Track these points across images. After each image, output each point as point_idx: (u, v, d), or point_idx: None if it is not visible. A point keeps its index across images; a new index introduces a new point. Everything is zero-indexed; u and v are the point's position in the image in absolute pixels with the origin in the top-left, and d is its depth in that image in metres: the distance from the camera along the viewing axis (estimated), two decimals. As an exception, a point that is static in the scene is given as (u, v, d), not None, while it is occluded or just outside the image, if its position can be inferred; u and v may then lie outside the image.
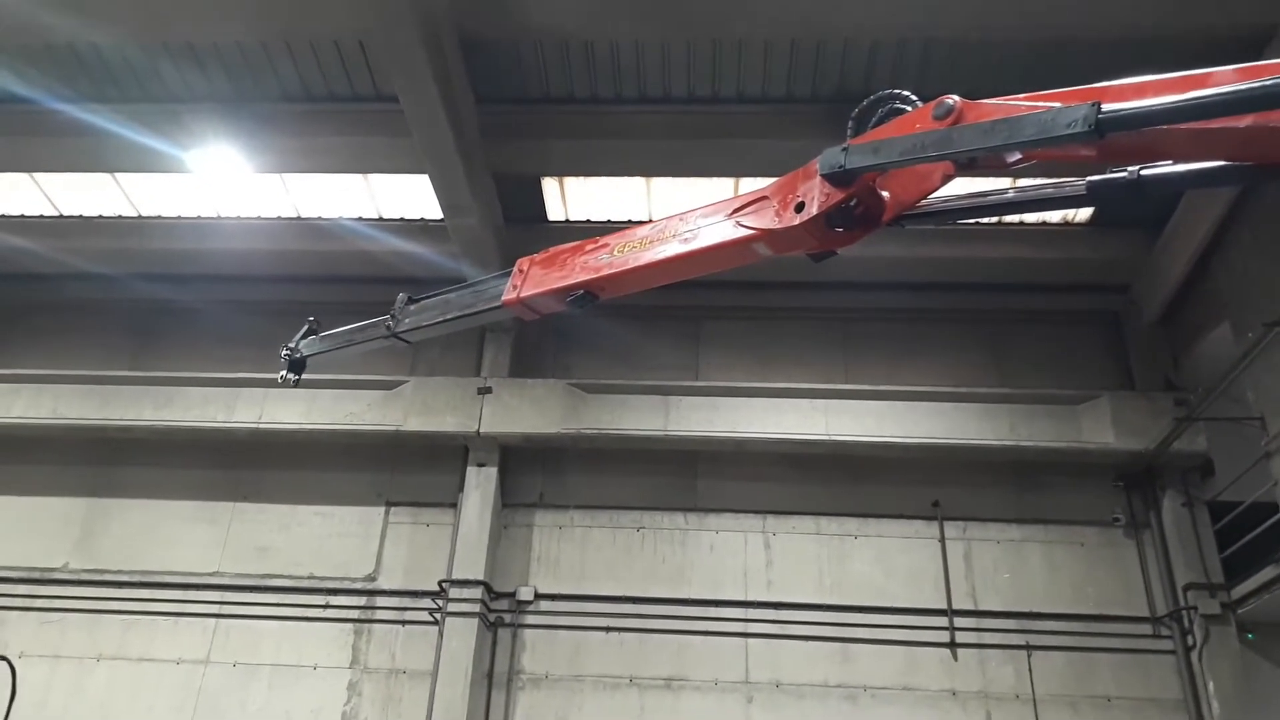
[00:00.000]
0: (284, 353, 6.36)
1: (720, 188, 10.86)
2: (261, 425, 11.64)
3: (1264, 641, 10.37)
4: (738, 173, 10.67)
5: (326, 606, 11.18)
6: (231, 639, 11.12)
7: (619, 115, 10.37)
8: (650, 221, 4.73)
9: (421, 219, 11.75)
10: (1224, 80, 3.01)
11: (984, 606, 10.78)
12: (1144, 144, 3.23)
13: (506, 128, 10.46)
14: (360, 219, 11.81)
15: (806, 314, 12.30)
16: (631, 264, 4.51)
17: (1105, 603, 10.71)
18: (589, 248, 4.78)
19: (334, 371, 11.79)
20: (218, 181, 11.37)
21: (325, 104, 10.45)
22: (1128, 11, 8.68)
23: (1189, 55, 7.74)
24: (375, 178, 11.28)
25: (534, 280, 4.92)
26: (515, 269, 5.08)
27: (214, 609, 11.26)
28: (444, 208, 10.66)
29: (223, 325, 12.72)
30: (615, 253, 4.61)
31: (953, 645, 10.55)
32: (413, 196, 11.43)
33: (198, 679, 10.94)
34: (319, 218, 11.87)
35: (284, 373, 6.34)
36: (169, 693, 10.89)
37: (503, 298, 5.01)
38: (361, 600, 11.23)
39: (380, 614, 11.14)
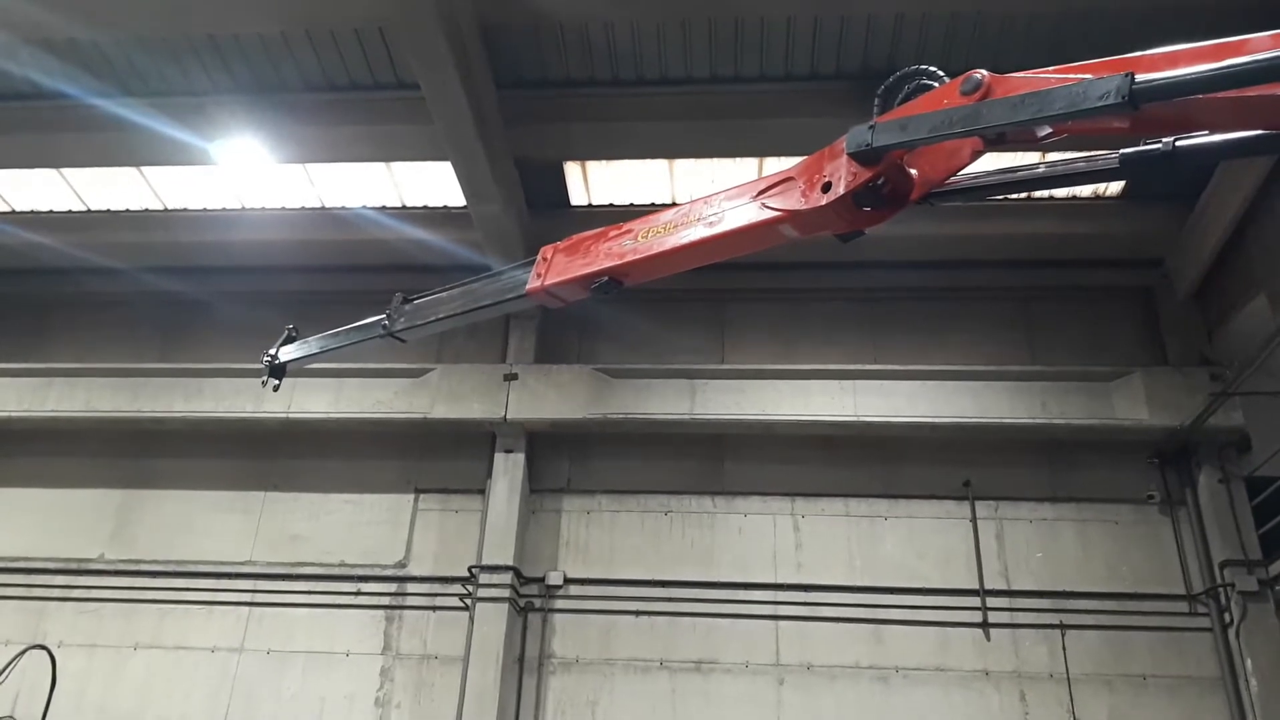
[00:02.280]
0: (265, 358, 6.73)
1: (744, 168, 10.77)
2: (290, 415, 11.72)
3: (1303, 618, 10.22)
4: (762, 152, 10.58)
5: (358, 594, 11.28)
6: (265, 627, 11.25)
7: (641, 97, 10.30)
8: (674, 205, 4.68)
9: (445, 207, 11.75)
10: (1260, 47, 2.93)
11: (1017, 586, 10.69)
12: (1178, 115, 3.15)
13: (528, 113, 10.42)
14: (384, 208, 11.83)
15: (833, 294, 12.19)
16: (656, 249, 4.47)
17: (1140, 581, 10.59)
18: (612, 234, 4.74)
19: (360, 360, 11.87)
20: (242, 173, 11.43)
21: (347, 93, 10.46)
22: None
23: (1222, 22, 7.57)
24: (398, 166, 11.28)
25: (558, 268, 4.89)
26: (539, 257, 5.06)
27: (247, 597, 11.39)
28: (467, 195, 10.65)
29: (250, 316, 12.78)
30: (639, 238, 4.57)
31: (985, 625, 10.48)
32: (436, 184, 11.43)
33: (233, 667, 11.08)
34: (342, 207, 11.89)
35: (265, 377, 6.73)
36: (204, 680, 11.04)
37: (527, 286, 4.99)
38: (392, 587, 11.31)
39: (411, 600, 11.22)
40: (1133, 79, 2.97)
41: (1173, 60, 3.11)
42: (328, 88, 10.44)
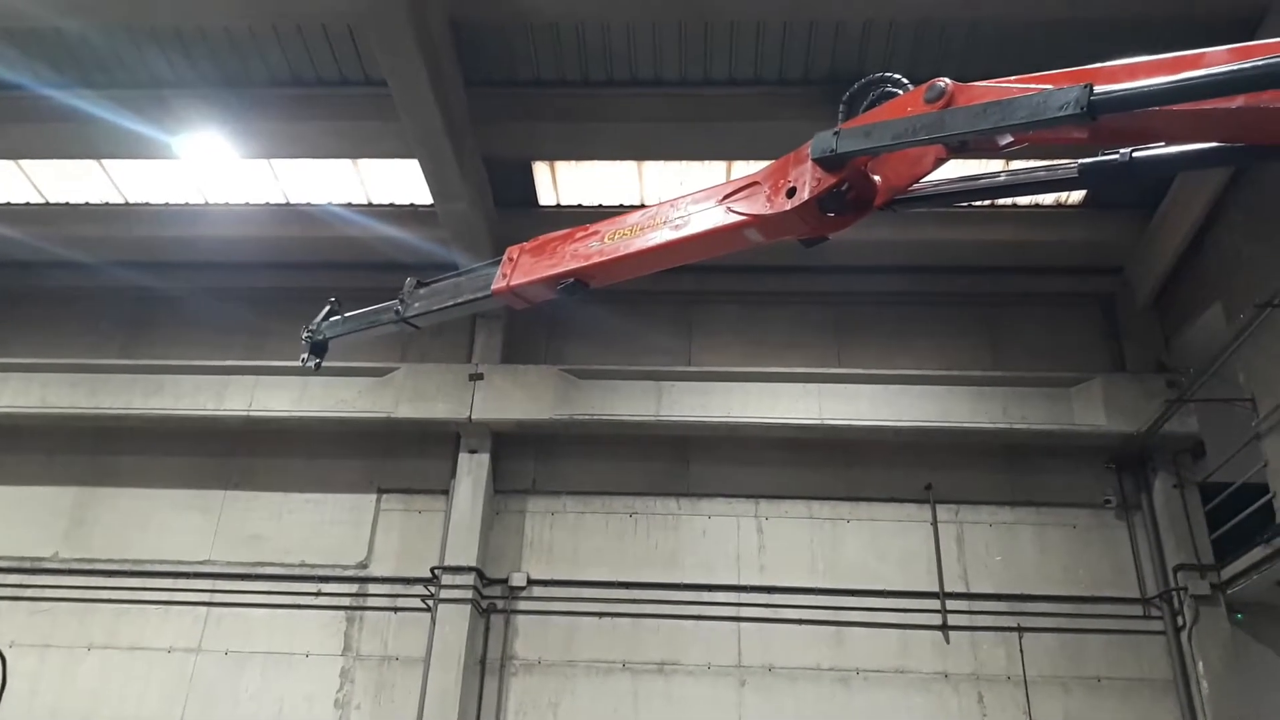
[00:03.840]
0: (304, 335, 6.15)
1: (713, 171, 10.81)
2: (252, 413, 11.59)
3: (1253, 622, 10.42)
4: (730, 156, 10.62)
5: (318, 594, 11.17)
6: (223, 627, 11.10)
7: (610, 98, 10.31)
8: (641, 208, 4.69)
9: (411, 204, 11.67)
10: (1216, 61, 2.99)
11: (976, 589, 10.82)
12: (1136, 126, 3.21)
13: (497, 111, 10.38)
14: (350, 205, 11.74)
15: (799, 298, 12.27)
16: (622, 251, 4.48)
17: (1096, 584, 10.76)
18: (579, 235, 4.74)
19: (325, 358, 11.74)
20: (205, 167, 11.28)
21: (313, 89, 10.36)
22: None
23: (1181, 36, 7.71)
24: (364, 163, 11.20)
25: (524, 268, 4.88)
26: (505, 257, 5.04)
27: (205, 597, 11.23)
28: (434, 193, 10.59)
29: (212, 312, 12.65)
30: (606, 240, 4.57)
31: (945, 628, 10.59)
32: (402, 181, 11.35)
33: (189, 667, 10.93)
34: (308, 204, 11.78)
35: (305, 355, 6.15)
36: (160, 681, 10.87)
37: (492, 286, 4.98)
38: (353, 588, 11.21)
39: (372, 601, 11.13)
40: (1091, 90, 3.02)
41: (1131, 72, 3.17)
42: (294, 83, 10.34)
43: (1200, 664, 9.99)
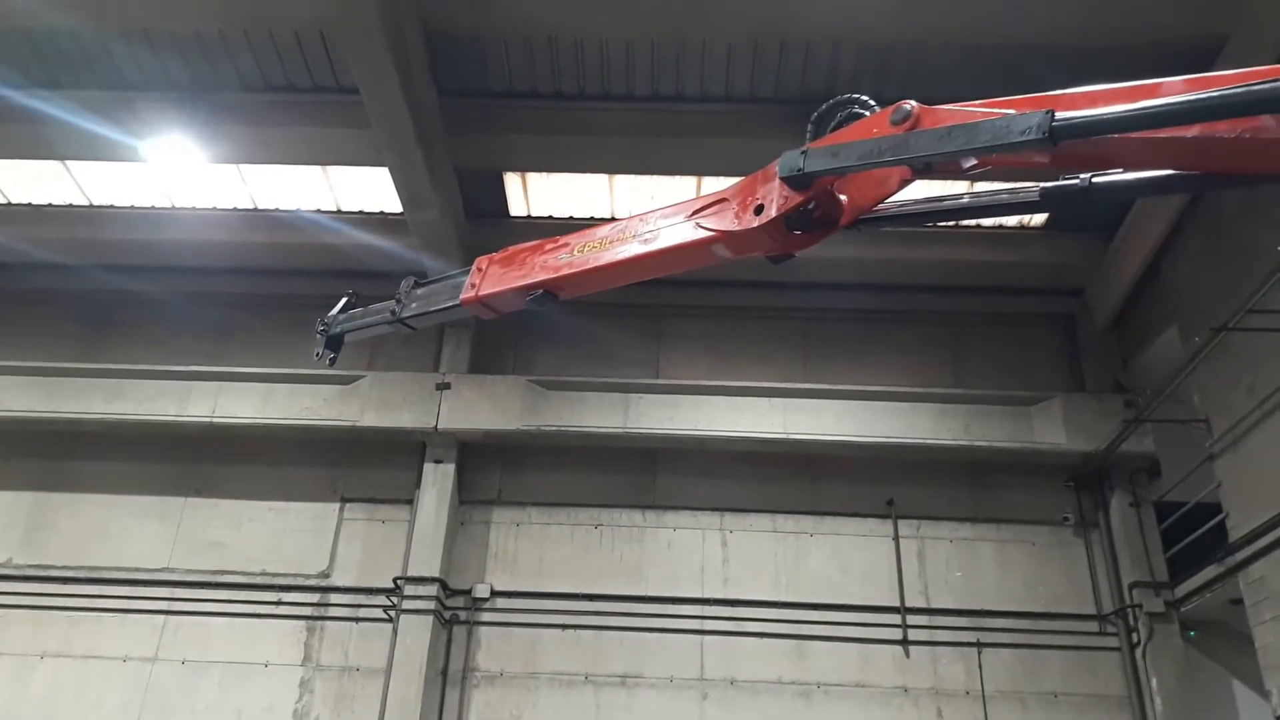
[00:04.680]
0: (319, 328, 5.87)
1: (683, 186, 10.88)
2: (215, 419, 11.47)
3: (1205, 639, 10.63)
4: (700, 171, 10.70)
5: (279, 603, 11.04)
6: (181, 636, 10.95)
7: (582, 111, 10.35)
8: (611, 221, 4.73)
9: (381, 212, 11.63)
10: (1173, 91, 3.07)
11: (936, 604, 10.93)
12: (1095, 152, 3.29)
13: (469, 121, 10.39)
14: (319, 211, 11.67)
15: (767, 313, 12.36)
16: (591, 264, 4.51)
17: (1054, 601, 10.91)
18: (548, 247, 4.76)
19: (290, 365, 11.69)
20: (173, 171, 11.17)
21: (284, 94, 10.31)
22: (1084, 21, 8.83)
23: (1143, 64, 7.90)
24: (334, 170, 11.15)
25: (493, 279, 4.90)
26: (474, 267, 5.05)
27: (163, 605, 11.07)
28: (404, 201, 10.57)
29: (177, 317, 12.51)
30: (575, 252, 4.60)
31: (905, 643, 10.68)
32: (373, 189, 11.31)
33: (145, 676, 10.76)
34: (277, 209, 11.71)
35: (319, 351, 5.87)
36: (115, 691, 10.69)
37: (461, 296, 4.98)
38: (315, 597, 11.11)
39: (334, 611, 11.03)
40: (1052, 116, 3.10)
41: (1092, 99, 3.25)
42: (265, 88, 10.29)
43: (1154, 680, 10.15)
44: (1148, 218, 10.61)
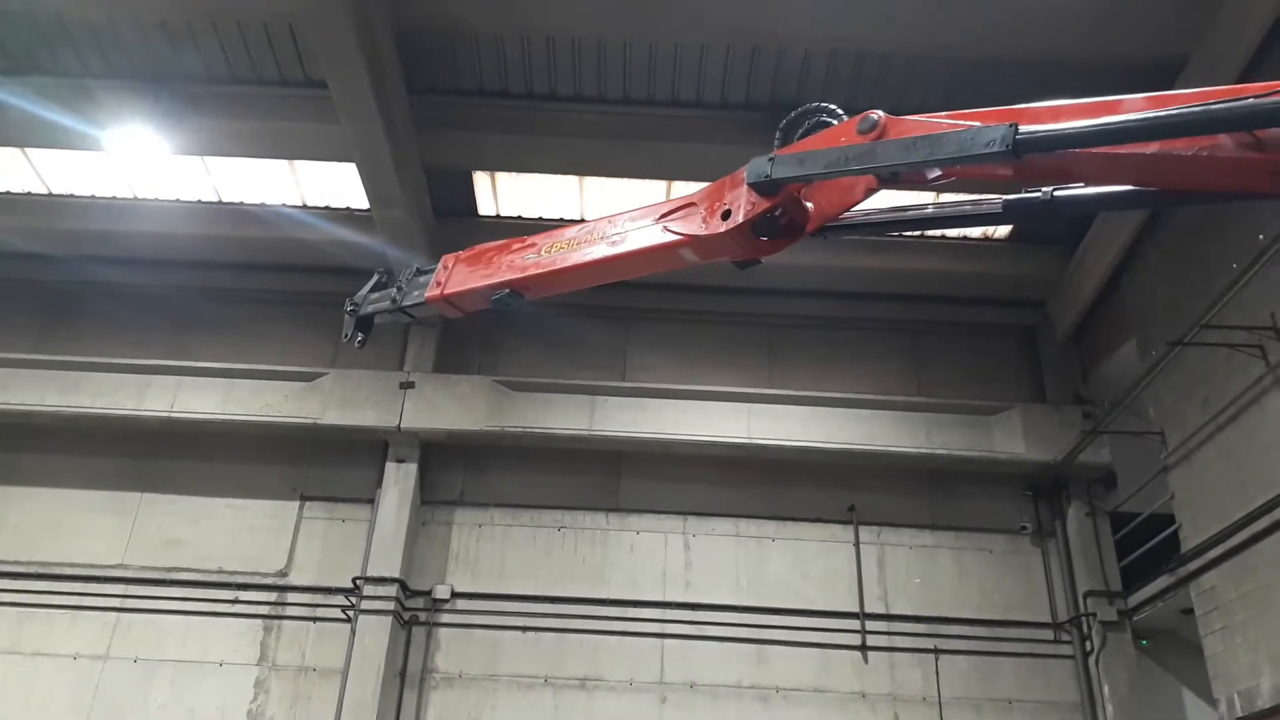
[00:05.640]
0: (348, 308, 5.45)
1: (653, 189, 10.89)
2: (174, 414, 11.30)
3: (1157, 648, 10.82)
4: (670, 175, 10.72)
5: (235, 602, 10.89)
6: (133, 634, 10.76)
7: (553, 112, 10.34)
8: (581, 222, 4.71)
9: (348, 208, 11.53)
10: (1134, 108, 3.12)
11: (895, 610, 11.02)
12: (1058, 165, 3.33)
13: (439, 119, 10.34)
14: (285, 206, 11.54)
15: (734, 318, 12.41)
16: (559, 265, 4.50)
17: (1010, 608, 11.04)
18: (516, 247, 4.74)
19: (251, 361, 11.56)
20: (135, 162, 10.99)
21: (251, 87, 10.20)
22: (1050, 37, 8.96)
23: (1107, 81, 8.03)
24: (301, 164, 11.03)
25: (459, 277, 4.87)
26: (440, 265, 5.02)
27: (116, 603, 10.87)
28: (371, 198, 10.49)
29: (136, 310, 12.31)
30: (543, 253, 4.58)
31: (864, 648, 10.76)
32: (340, 185, 11.21)
33: (96, 675, 10.56)
34: (241, 203, 11.57)
35: (348, 332, 5.45)
36: (65, 689, 10.49)
37: (426, 294, 4.94)
38: (272, 596, 10.97)
39: (291, 610, 10.90)
40: (1016, 130, 3.14)
41: (1056, 114, 3.30)
42: (231, 80, 10.17)
43: (1106, 688, 10.30)
44: (1109, 232, 10.79)
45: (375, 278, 5.45)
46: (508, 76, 10.12)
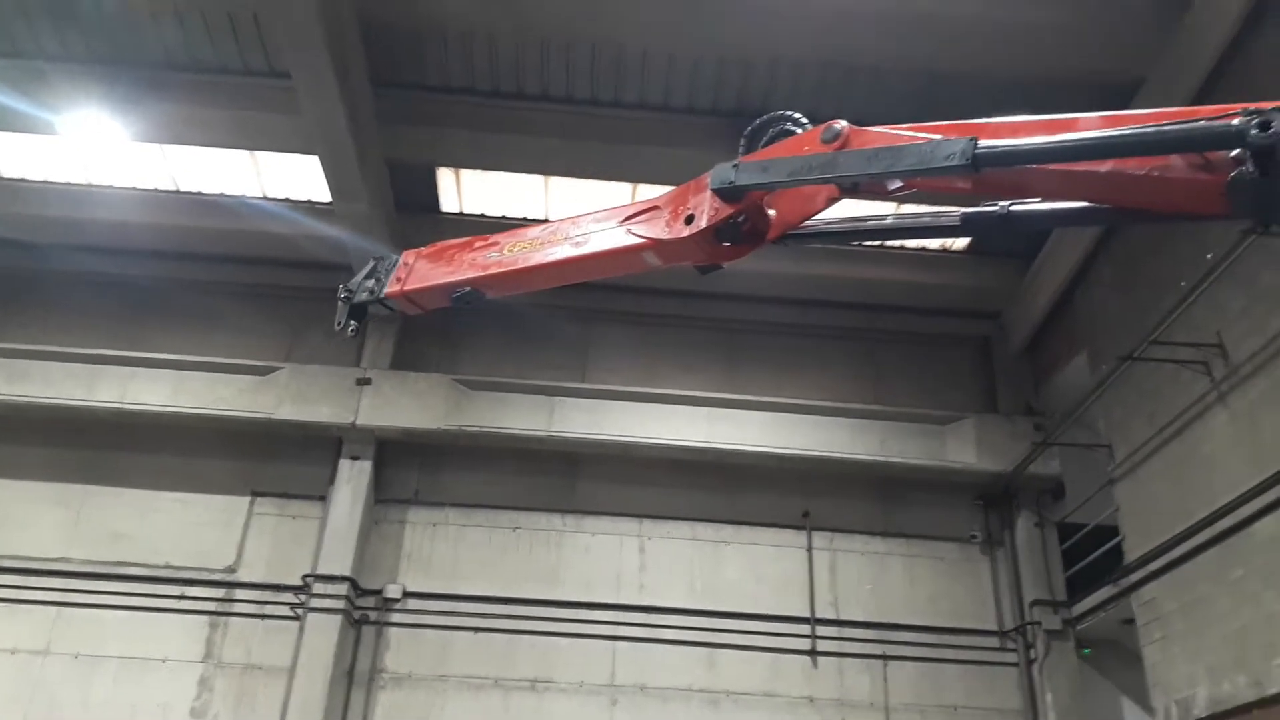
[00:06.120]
0: (341, 295, 5.19)
1: (618, 191, 10.91)
2: (124, 405, 11.09)
3: (1099, 657, 11.04)
4: (636, 178, 10.74)
5: (181, 597, 10.71)
6: (75, 629, 10.53)
7: (520, 111, 10.32)
8: (544, 222, 4.69)
9: (309, 201, 11.39)
10: (1090, 126, 3.18)
11: (846, 616, 11.12)
12: (1015, 180, 3.38)
13: (404, 114, 10.27)
14: (244, 197, 11.38)
15: (696, 323, 12.45)
16: (521, 264, 4.47)
17: (958, 616, 11.19)
18: (478, 245, 4.71)
19: (206, 353, 11.39)
20: (91, 147, 10.76)
21: (213, 75, 10.05)
22: (1012, 54, 9.12)
23: (1066, 98, 8.17)
24: (262, 155, 10.89)
25: (420, 274, 4.82)
26: (400, 261, 4.96)
27: (57, 596, 10.63)
28: (333, 191, 10.38)
29: (89, 298, 12.07)
30: (505, 252, 4.55)
31: (814, 653, 10.85)
32: (301, 177, 11.07)
33: (35, 670, 10.32)
34: (200, 192, 11.39)
35: (341, 319, 5.18)
36: (3, 684, 10.24)
37: (386, 290, 4.88)
38: (219, 592, 10.80)
39: (239, 607, 10.74)
40: (975, 144, 3.18)
41: (1015, 130, 3.35)
42: (193, 67, 10.01)
43: (1049, 695, 10.49)
44: (1063, 247, 10.99)
45: (370, 264, 5.20)
46: (475, 73, 10.08)
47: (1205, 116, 2.80)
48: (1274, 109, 2.52)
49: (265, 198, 11.42)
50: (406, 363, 11.84)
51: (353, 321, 5.14)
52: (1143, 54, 8.95)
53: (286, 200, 11.44)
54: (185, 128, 10.32)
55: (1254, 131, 2.51)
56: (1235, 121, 2.60)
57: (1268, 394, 7.79)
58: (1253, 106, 2.58)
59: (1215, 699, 8.12)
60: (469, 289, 4.60)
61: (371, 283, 5.07)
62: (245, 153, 10.85)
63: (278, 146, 10.61)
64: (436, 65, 10.01)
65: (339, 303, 5.11)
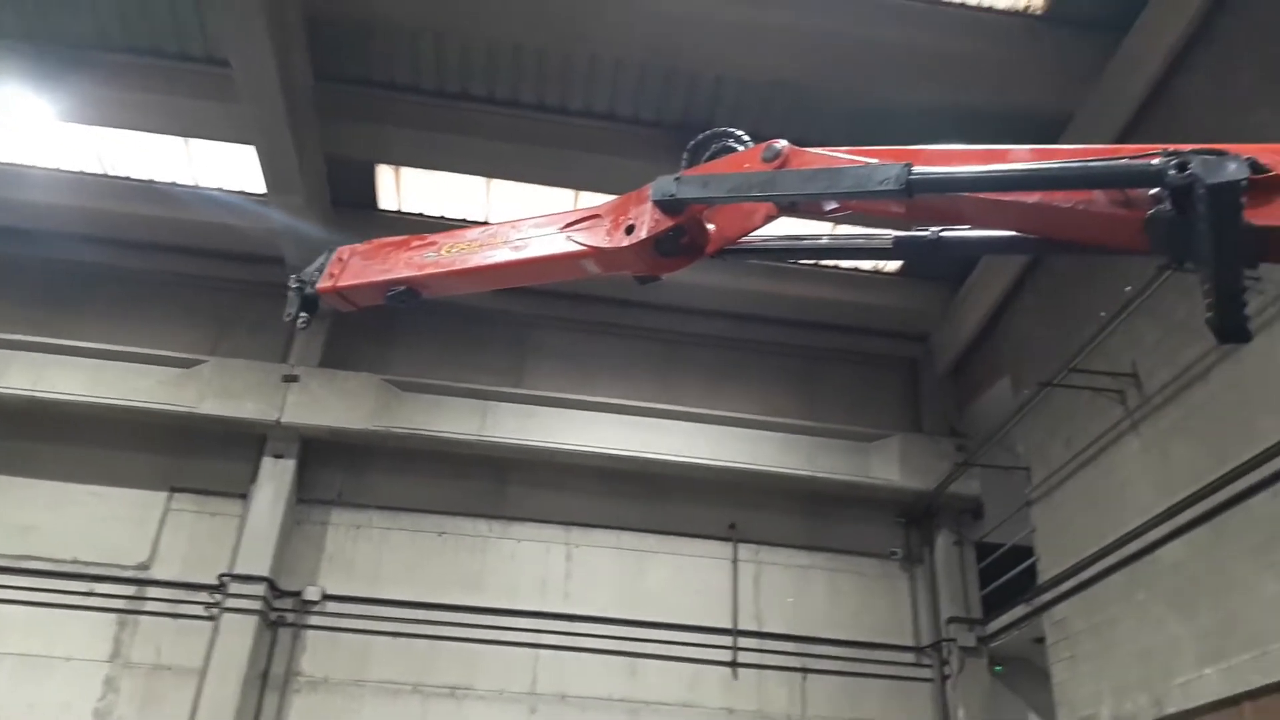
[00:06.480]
0: (294, 284, 4.92)
1: (560, 197, 10.92)
2: (38, 393, 10.70)
3: (1010, 674, 11.32)
4: (579, 185, 10.77)
5: (89, 594, 10.35)
6: (-28, 624, 10.11)
7: (464, 112, 10.26)
8: (483, 224, 4.68)
9: (242, 192, 11.14)
10: (1019, 158, 3.29)
11: (768, 628, 11.23)
12: (947, 206, 3.48)
13: (345, 109, 10.14)
14: (175, 184, 11.09)
15: (632, 332, 12.48)
16: (458, 265, 4.44)
17: (877, 631, 11.38)
18: (415, 244, 4.67)
19: (127, 343, 11.06)
20: (14, 125, 10.37)
21: (149, 58, 9.79)
22: (950, 85, 9.36)
23: (999, 128, 8.44)
24: (196, 142, 10.62)
25: (354, 270, 4.75)
26: (335, 257, 4.89)
27: (-45, 590, 10.20)
28: (269, 183, 10.19)
29: (3, 281, 11.61)
30: (443, 252, 4.52)
31: (735, 665, 10.92)
32: (236, 167, 10.82)
33: (-72, 666, 9.88)
34: (129, 177, 11.07)
35: (292, 309, 4.91)
36: (-108, 679, 9.78)
37: (318, 285, 4.81)
38: (130, 590, 10.47)
39: (150, 605, 10.41)
40: (910, 170, 3.27)
41: (948, 157, 3.45)
42: (127, 49, 9.74)
43: (961, 711, 10.72)
44: (991, 274, 11.31)
45: (325, 255, 4.96)
46: (420, 72, 10.00)
47: (1128, 155, 2.92)
48: (1192, 151, 2.63)
49: (197, 186, 11.14)
50: (336, 360, 11.63)
51: (304, 313, 4.89)
52: (1072, 91, 9.26)
53: (219, 190, 11.18)
54: (116, 110, 10.03)
55: (1172, 171, 2.62)
56: (1155, 161, 2.71)
57: (1178, 424, 8.11)
58: (1172, 148, 2.70)
59: (1118, 717, 8.40)
60: (404, 288, 4.56)
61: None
62: (178, 139, 10.57)
63: (213, 134, 10.36)
64: (382, 61, 9.90)
65: (290, 292, 4.87)
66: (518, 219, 4.43)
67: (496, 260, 4.33)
